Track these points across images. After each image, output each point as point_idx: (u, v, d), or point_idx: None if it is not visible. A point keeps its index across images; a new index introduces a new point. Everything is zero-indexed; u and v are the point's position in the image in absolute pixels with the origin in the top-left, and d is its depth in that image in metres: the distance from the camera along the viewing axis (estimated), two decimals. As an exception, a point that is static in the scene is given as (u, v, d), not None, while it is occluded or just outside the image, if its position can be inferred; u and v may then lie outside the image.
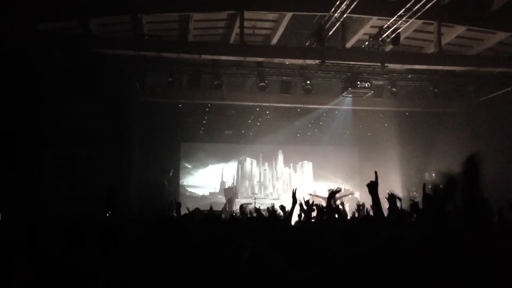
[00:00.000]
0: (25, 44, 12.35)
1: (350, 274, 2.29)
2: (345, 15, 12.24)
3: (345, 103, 18.10)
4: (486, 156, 16.13)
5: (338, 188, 5.64)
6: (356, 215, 7.22)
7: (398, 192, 17.98)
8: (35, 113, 13.26)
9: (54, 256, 3.09)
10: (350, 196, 20.78)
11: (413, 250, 2.18)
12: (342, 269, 2.35)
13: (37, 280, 2.59)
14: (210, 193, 21.23)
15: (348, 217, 7.32)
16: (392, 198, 5.86)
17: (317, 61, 14.07)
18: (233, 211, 15.08)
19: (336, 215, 5.63)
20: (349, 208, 13.82)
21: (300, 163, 22.47)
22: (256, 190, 21.77)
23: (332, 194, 5.44)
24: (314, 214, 6.07)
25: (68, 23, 13.46)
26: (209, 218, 5.60)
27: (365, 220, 4.61)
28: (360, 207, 8.33)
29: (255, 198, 20.43)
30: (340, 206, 6.26)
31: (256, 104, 18.98)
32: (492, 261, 1.99)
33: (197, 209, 9.78)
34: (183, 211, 7.72)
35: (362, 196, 18.27)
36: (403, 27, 12.86)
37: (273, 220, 5.73)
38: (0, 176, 11.93)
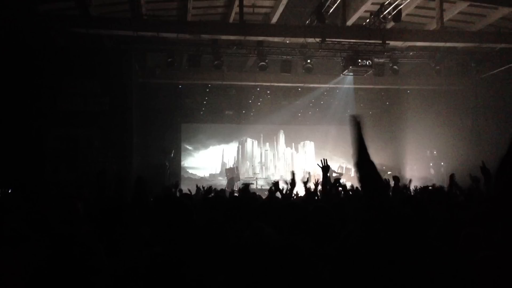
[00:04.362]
0: (23, 25, 12.24)
1: (352, 250, 2.26)
2: (345, -8, 12.10)
3: (346, 81, 18.01)
4: (489, 132, 16.12)
5: (323, 159, 5.55)
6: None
7: (396, 169, 17.99)
8: (34, 95, 13.19)
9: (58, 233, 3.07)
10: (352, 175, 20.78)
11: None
12: (344, 245, 2.32)
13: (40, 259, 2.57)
14: (210, 174, 21.20)
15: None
16: (396, 179, 6.01)
17: (317, 40, 13.95)
18: (234, 191, 15.06)
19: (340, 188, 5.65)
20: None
21: (301, 143, 22.41)
22: (258, 170, 21.74)
23: (326, 168, 5.38)
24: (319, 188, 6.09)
25: (66, 4, 13.31)
26: (211, 197, 5.58)
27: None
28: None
29: (256, 178, 20.44)
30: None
31: (256, 84, 18.90)
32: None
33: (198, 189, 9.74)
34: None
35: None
36: (404, 4, 12.70)
37: (273, 199, 5.72)
38: (2, 158, 11.96)
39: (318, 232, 2.82)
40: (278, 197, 5.98)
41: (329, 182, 5.59)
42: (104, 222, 3.23)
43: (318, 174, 5.99)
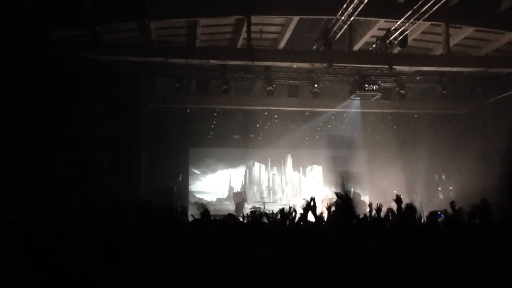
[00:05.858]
0: (34, 52, 12.44)
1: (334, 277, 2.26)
2: (352, 18, 12.23)
3: (353, 106, 18.06)
4: (498, 156, 16.02)
5: (312, 197, 5.64)
6: (368, 214, 7.23)
7: (405, 194, 17.86)
8: (45, 121, 13.35)
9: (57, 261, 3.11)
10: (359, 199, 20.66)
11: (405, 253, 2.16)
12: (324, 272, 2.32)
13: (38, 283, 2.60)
14: (217, 199, 21.10)
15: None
16: (399, 200, 5.90)
17: (324, 64, 14.06)
18: (243, 215, 15.03)
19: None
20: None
21: (309, 167, 22.33)
22: (265, 195, 21.63)
23: (308, 206, 5.47)
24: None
25: (77, 31, 13.56)
26: (217, 223, 5.59)
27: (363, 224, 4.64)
28: (370, 206, 8.31)
29: (264, 203, 20.34)
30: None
31: (264, 108, 18.99)
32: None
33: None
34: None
35: (371, 199, 18.14)
36: (410, 29, 12.83)
37: (278, 225, 5.73)
38: (12, 183, 12.02)
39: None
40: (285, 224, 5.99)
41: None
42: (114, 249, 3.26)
43: (329, 199, 6.02)
